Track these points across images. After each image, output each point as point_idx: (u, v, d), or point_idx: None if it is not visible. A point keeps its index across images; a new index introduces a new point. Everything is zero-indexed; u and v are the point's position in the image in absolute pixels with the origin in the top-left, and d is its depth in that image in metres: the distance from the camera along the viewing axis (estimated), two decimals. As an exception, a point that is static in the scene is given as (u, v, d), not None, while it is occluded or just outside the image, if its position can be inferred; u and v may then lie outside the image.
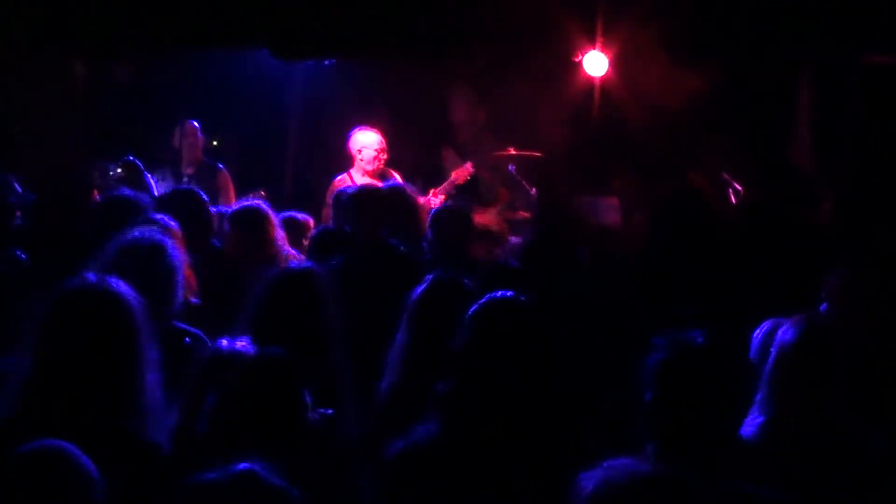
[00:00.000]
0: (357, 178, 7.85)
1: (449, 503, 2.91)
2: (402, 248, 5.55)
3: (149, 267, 3.77)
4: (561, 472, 2.41)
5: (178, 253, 4.02)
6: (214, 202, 7.67)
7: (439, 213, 5.82)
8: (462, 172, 8.39)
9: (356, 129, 7.99)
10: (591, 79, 8.57)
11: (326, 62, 9.30)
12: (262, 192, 8.11)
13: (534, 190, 8.26)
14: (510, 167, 8.55)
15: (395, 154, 8.27)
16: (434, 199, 8.17)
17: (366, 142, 7.89)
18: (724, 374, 2.75)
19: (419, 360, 3.81)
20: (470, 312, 3.14)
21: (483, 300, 3.17)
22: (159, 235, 4.04)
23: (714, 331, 2.84)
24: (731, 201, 7.32)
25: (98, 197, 6.09)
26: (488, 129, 9.26)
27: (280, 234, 5.49)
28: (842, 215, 5.88)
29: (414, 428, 3.02)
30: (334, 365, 3.88)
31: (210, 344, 3.66)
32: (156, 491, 2.71)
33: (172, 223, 4.81)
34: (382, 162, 7.91)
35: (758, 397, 3.21)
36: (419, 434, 3.00)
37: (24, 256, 5.09)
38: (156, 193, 6.89)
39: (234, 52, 9.05)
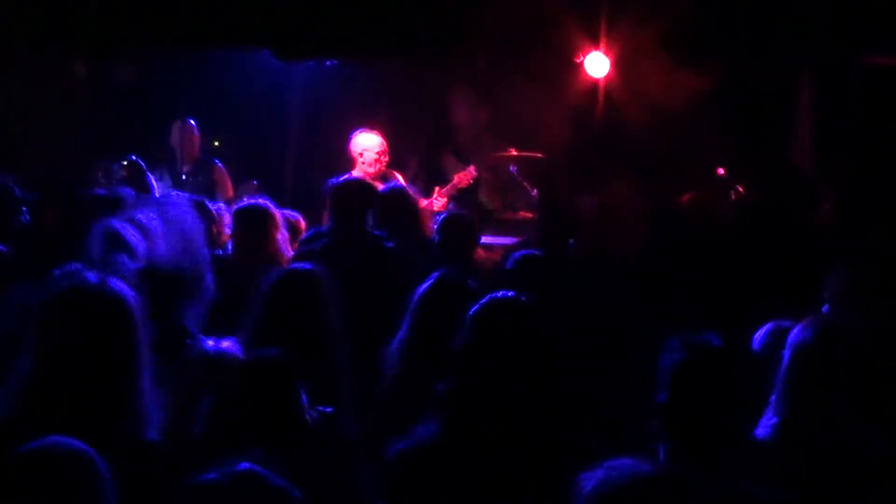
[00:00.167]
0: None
1: (449, 503, 2.91)
2: (387, 242, 5.56)
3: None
4: (561, 472, 2.41)
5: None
6: (212, 197, 7.71)
7: (445, 221, 5.84)
8: (465, 176, 8.39)
9: (357, 132, 7.97)
10: (592, 80, 8.58)
11: (328, 63, 9.30)
12: (254, 183, 8.15)
13: (535, 191, 8.26)
14: (511, 168, 8.55)
15: (396, 155, 8.27)
16: (437, 202, 8.17)
17: (367, 144, 7.87)
18: (739, 377, 2.75)
19: (420, 358, 3.82)
20: (470, 312, 3.14)
21: (483, 300, 3.17)
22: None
23: (714, 331, 2.84)
24: (732, 201, 7.32)
25: None
26: (489, 129, 9.27)
27: (283, 235, 5.51)
28: (842, 215, 5.88)
29: (414, 428, 3.03)
30: (334, 364, 3.88)
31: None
32: (155, 491, 2.71)
33: (152, 223, 4.91)
34: (384, 164, 7.90)
35: (772, 399, 3.19)
36: (420, 434, 3.00)
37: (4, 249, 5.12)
38: (156, 194, 6.90)
39: (235, 52, 9.05)
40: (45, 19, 7.88)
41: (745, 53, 8.37)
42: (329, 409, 3.21)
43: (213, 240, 5.56)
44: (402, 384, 3.84)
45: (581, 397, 3.30)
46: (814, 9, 7.99)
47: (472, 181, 8.41)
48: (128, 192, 5.96)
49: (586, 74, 8.54)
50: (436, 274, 4.03)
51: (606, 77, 8.53)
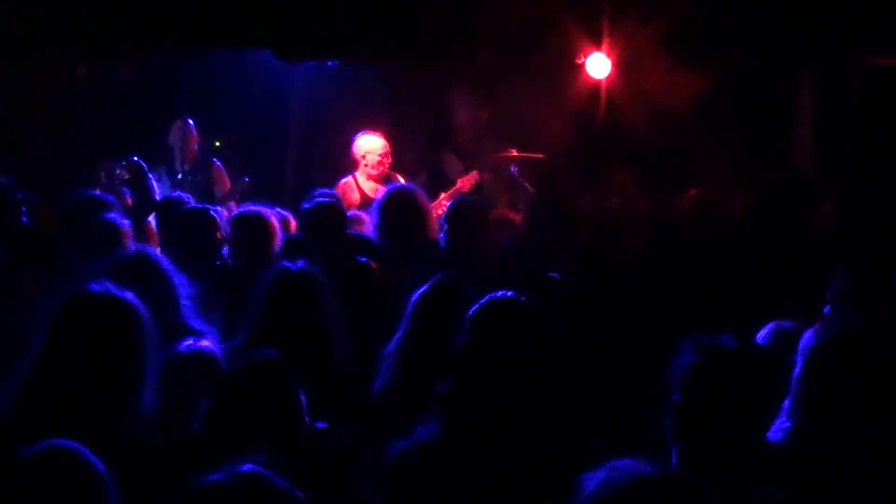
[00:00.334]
0: (361, 181, 7.85)
1: (450, 503, 2.92)
2: (360, 259, 5.56)
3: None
4: (561, 472, 2.41)
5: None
6: (210, 195, 7.72)
7: (456, 207, 5.83)
8: (468, 180, 8.40)
9: (360, 134, 7.96)
10: (593, 80, 8.58)
11: (328, 63, 9.30)
12: (246, 180, 8.17)
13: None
14: (512, 168, 8.55)
15: (396, 155, 8.27)
16: (442, 206, 8.19)
17: (370, 146, 7.87)
18: (754, 379, 2.74)
19: (417, 361, 3.82)
20: (470, 312, 3.15)
21: (483, 300, 3.18)
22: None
23: (714, 331, 2.83)
24: (733, 202, 7.32)
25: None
26: (490, 130, 9.27)
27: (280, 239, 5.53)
28: (842, 215, 5.88)
29: (414, 428, 3.03)
30: (334, 362, 3.89)
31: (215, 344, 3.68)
32: (155, 493, 2.71)
33: (124, 221, 5.03)
34: (387, 166, 7.90)
35: (785, 403, 3.17)
36: (420, 434, 3.00)
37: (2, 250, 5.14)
38: (156, 196, 6.91)
39: (235, 52, 9.06)
40: (45, 19, 7.88)
41: (746, 54, 8.37)
42: (323, 425, 3.19)
43: (216, 245, 5.56)
44: (398, 386, 3.85)
45: (581, 397, 3.30)
46: (814, 9, 8.00)
47: (475, 185, 8.42)
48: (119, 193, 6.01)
49: (587, 75, 8.55)
50: (434, 278, 4.04)
51: (607, 78, 8.54)
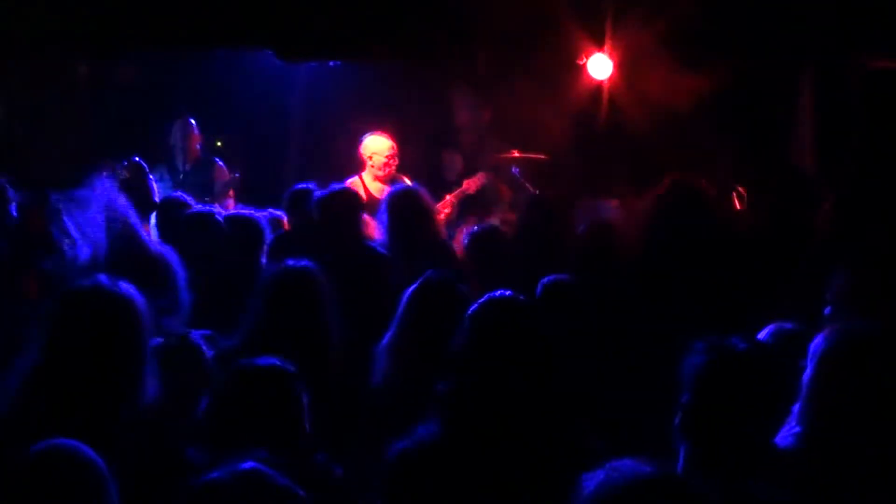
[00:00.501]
0: (368, 182, 7.85)
1: (450, 503, 2.92)
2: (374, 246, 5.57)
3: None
4: (561, 472, 2.41)
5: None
6: (211, 194, 7.73)
7: (477, 237, 5.83)
8: (474, 182, 8.41)
9: (368, 134, 7.97)
10: (594, 81, 8.58)
11: (330, 63, 9.31)
12: (237, 176, 8.20)
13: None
14: (514, 169, 8.56)
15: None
16: (446, 206, 8.23)
17: (377, 147, 7.87)
18: (764, 381, 2.73)
19: (411, 358, 3.83)
20: (469, 312, 3.15)
21: (482, 300, 3.18)
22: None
23: (714, 332, 2.83)
24: (734, 203, 7.32)
25: None
26: (492, 131, 9.27)
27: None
28: (842, 216, 5.87)
29: (414, 428, 3.03)
30: (331, 363, 3.89)
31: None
32: (156, 490, 2.71)
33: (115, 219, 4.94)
34: (393, 167, 7.90)
35: (795, 407, 3.15)
36: (420, 434, 3.00)
37: None
38: (156, 197, 6.91)
39: (237, 52, 9.06)
40: (46, 19, 7.89)
41: (747, 55, 8.37)
42: (321, 458, 3.17)
43: (218, 248, 5.58)
44: (393, 384, 3.85)
45: (581, 397, 3.30)
46: (816, 11, 8.00)
47: (480, 187, 8.43)
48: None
49: (589, 76, 8.55)
50: (425, 275, 4.04)
51: (609, 78, 8.54)
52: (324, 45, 8.46)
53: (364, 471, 3.30)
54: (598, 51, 8.42)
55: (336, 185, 6.01)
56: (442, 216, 7.95)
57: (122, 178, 7.10)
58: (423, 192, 6.23)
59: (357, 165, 8.00)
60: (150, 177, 7.38)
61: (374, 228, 6.23)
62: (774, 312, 3.89)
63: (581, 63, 8.50)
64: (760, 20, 8.04)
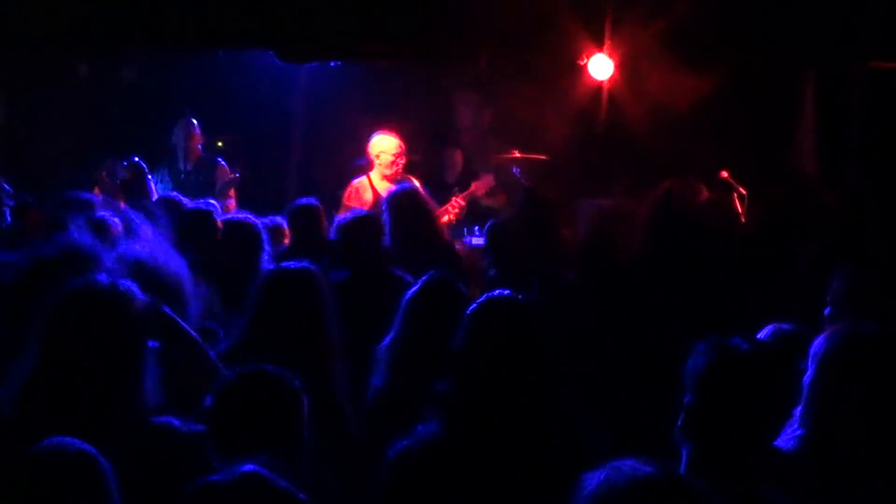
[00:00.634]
0: (376, 181, 7.87)
1: (451, 502, 2.92)
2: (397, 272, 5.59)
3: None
4: (561, 472, 2.42)
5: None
6: (213, 194, 7.73)
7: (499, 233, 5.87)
8: (483, 184, 8.44)
9: (376, 133, 7.99)
10: (595, 82, 8.59)
11: (331, 64, 9.32)
12: (236, 176, 8.20)
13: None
14: (515, 170, 8.57)
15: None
16: (453, 208, 8.24)
17: (384, 147, 7.90)
18: (767, 382, 2.73)
19: (414, 359, 3.83)
20: (469, 312, 3.15)
21: (482, 299, 3.18)
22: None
23: (714, 332, 2.83)
24: (735, 204, 7.32)
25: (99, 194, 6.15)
26: (493, 131, 9.28)
27: (267, 251, 5.56)
28: (843, 218, 5.88)
29: (414, 427, 3.03)
30: (332, 362, 3.89)
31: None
32: (158, 491, 2.72)
33: (114, 220, 5.02)
34: (400, 167, 7.92)
35: (797, 410, 3.15)
36: (420, 433, 3.00)
37: None
38: (154, 198, 6.91)
39: (239, 53, 9.07)
40: (49, 19, 7.89)
41: (748, 55, 8.37)
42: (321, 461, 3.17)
43: (214, 246, 5.58)
44: (395, 385, 3.86)
45: (581, 397, 3.31)
46: (818, 12, 7.99)
47: (489, 189, 8.47)
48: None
49: (589, 76, 8.55)
50: (425, 276, 4.05)
51: (609, 79, 8.54)
52: (325, 45, 8.47)
53: (364, 472, 3.30)
54: (599, 51, 8.42)
55: (358, 211, 5.97)
56: (451, 217, 7.99)
57: (121, 176, 7.12)
58: (424, 192, 6.23)
59: (357, 165, 8.02)
60: (150, 177, 7.40)
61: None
62: (774, 313, 3.88)
63: (582, 64, 8.50)
64: (761, 20, 8.04)
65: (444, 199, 8.18)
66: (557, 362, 3.09)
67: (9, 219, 5.87)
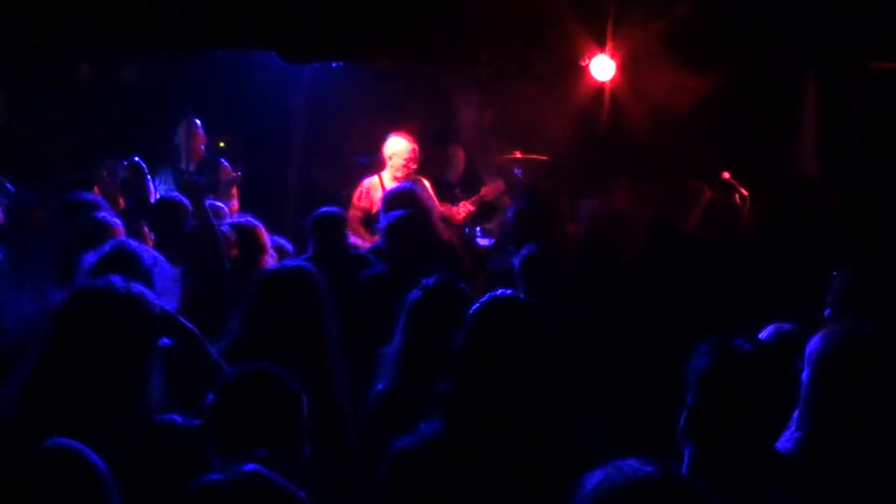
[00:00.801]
0: (387, 181, 7.90)
1: (452, 502, 2.93)
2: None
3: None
4: (561, 471, 2.42)
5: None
6: (216, 194, 7.73)
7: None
8: (493, 189, 8.48)
9: (392, 135, 8.04)
10: (597, 83, 8.59)
11: (333, 64, 9.33)
12: (238, 175, 8.21)
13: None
14: (516, 170, 8.58)
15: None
16: (462, 210, 8.26)
17: (396, 149, 7.95)
18: (770, 382, 2.73)
19: (417, 361, 3.83)
20: (470, 311, 3.15)
21: (483, 299, 3.18)
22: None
23: (714, 332, 2.83)
24: (737, 204, 7.33)
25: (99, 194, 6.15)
26: (494, 132, 9.28)
27: (271, 255, 5.55)
28: (844, 218, 5.88)
29: (416, 427, 3.04)
30: (331, 362, 3.89)
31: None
32: (157, 492, 2.72)
33: (116, 220, 5.02)
34: (411, 169, 7.95)
35: (796, 413, 3.14)
36: (422, 432, 3.01)
37: None
38: (153, 199, 6.91)
39: (241, 53, 9.08)
40: (48, 19, 7.90)
41: (750, 57, 8.37)
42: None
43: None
44: (400, 387, 3.85)
45: (581, 397, 3.31)
46: (818, 12, 8.00)
47: (499, 194, 8.50)
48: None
49: (591, 77, 8.56)
50: (427, 277, 4.05)
51: (611, 80, 8.55)
52: (327, 46, 8.47)
53: (365, 471, 3.30)
54: (601, 52, 8.42)
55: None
56: (459, 218, 8.02)
57: (122, 176, 7.11)
58: (423, 191, 6.23)
59: (361, 163, 8.04)
60: (149, 178, 7.39)
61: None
62: (774, 313, 3.88)
63: (583, 64, 8.50)
64: (762, 20, 8.04)
65: (446, 198, 8.20)
66: (558, 362, 3.09)
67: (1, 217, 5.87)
